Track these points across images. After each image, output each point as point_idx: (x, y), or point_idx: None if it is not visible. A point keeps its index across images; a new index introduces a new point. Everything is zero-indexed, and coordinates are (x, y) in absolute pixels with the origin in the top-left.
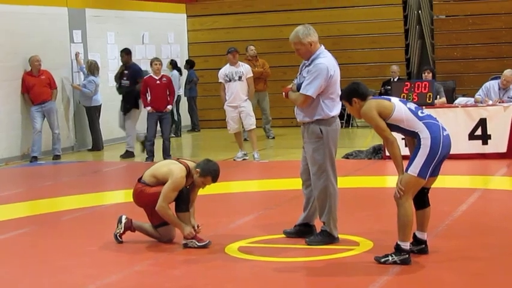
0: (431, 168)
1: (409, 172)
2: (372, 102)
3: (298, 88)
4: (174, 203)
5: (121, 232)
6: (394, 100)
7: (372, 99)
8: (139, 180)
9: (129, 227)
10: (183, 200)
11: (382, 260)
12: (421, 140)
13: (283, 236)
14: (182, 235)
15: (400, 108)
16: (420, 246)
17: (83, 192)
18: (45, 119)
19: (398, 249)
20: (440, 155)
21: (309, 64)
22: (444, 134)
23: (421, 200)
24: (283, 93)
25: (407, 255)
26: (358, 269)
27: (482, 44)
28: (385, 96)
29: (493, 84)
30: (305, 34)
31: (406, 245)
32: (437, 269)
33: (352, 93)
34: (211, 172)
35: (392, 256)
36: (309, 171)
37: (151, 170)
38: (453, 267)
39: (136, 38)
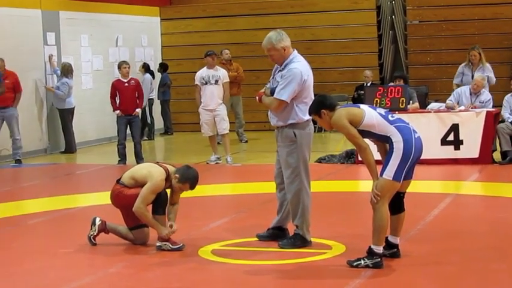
0: (405, 171)
1: (384, 176)
2: (341, 111)
3: (272, 92)
4: (151, 205)
5: (95, 234)
6: (364, 107)
7: (340, 108)
8: (118, 181)
9: (103, 229)
10: (161, 203)
11: (355, 263)
12: (394, 143)
13: (256, 239)
14: (156, 238)
15: (370, 114)
16: (392, 250)
17: (56, 195)
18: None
19: (370, 253)
20: (413, 157)
21: (283, 69)
22: (416, 137)
23: (397, 205)
24: (257, 98)
25: (379, 259)
26: (330, 272)
27: (455, 49)
28: (353, 104)
29: (464, 90)
30: (278, 39)
31: (379, 249)
32: (409, 273)
33: (320, 105)
34: (190, 179)
35: (364, 260)
36: (282, 175)
37: (130, 172)
38: (425, 271)
39: (110, 40)
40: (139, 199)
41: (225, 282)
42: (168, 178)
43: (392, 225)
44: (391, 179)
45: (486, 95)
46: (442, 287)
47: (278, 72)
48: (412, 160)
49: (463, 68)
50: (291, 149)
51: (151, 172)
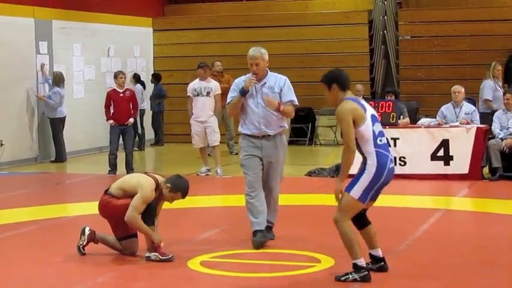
0: (371, 194)
1: (350, 194)
2: (349, 105)
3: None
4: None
5: (84, 244)
6: (368, 114)
7: (349, 101)
8: (106, 192)
9: (92, 238)
10: (150, 213)
11: (343, 278)
12: (367, 165)
13: (245, 251)
14: (145, 248)
15: (368, 125)
16: (379, 264)
17: (46, 204)
18: None
19: (356, 267)
20: (382, 183)
21: (265, 82)
22: (390, 167)
23: (360, 220)
24: (280, 106)
25: (366, 272)
26: (319, 285)
27: (446, 65)
28: (362, 103)
29: (446, 106)
30: (266, 52)
31: (361, 262)
32: (397, 287)
33: (334, 78)
34: (181, 188)
35: (352, 274)
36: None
37: (118, 183)
38: (413, 285)
39: (102, 50)
40: (131, 208)
41: None
42: (157, 188)
43: (366, 240)
44: (356, 198)
45: (470, 107)
46: None
47: (261, 87)
48: (380, 185)
49: (494, 84)
50: (283, 150)
51: (140, 182)
